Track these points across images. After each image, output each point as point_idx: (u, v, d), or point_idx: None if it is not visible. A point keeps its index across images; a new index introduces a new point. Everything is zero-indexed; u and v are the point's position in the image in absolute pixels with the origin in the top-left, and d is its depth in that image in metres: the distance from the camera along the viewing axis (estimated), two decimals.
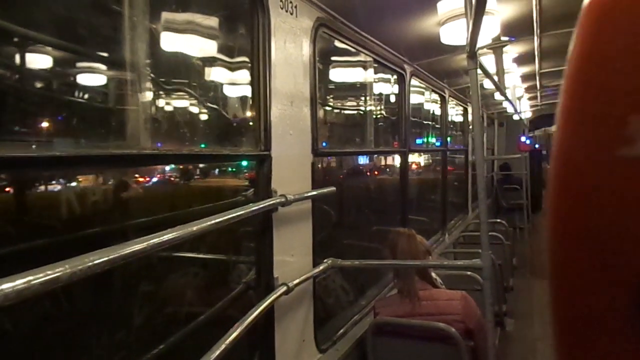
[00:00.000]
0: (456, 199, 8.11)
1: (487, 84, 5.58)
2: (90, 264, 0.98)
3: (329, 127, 4.35)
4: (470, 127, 8.62)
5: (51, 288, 0.88)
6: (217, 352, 1.61)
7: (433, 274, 3.00)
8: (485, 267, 2.41)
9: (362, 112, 4.98)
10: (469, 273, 3.72)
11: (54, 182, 2.20)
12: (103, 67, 1.81)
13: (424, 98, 6.49)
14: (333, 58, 4.01)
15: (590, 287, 0.52)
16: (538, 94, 8.58)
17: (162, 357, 2.32)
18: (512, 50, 4.78)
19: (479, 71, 2.54)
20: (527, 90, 7.88)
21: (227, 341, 1.69)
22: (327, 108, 4.36)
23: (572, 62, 0.53)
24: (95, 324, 2.28)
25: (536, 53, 4.81)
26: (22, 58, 1.57)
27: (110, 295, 2.38)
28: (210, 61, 2.43)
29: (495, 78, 4.04)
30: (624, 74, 0.49)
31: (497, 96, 7.34)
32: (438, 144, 7.08)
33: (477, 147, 2.52)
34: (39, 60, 1.60)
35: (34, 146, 1.31)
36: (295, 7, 2.49)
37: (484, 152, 9.73)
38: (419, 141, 6.82)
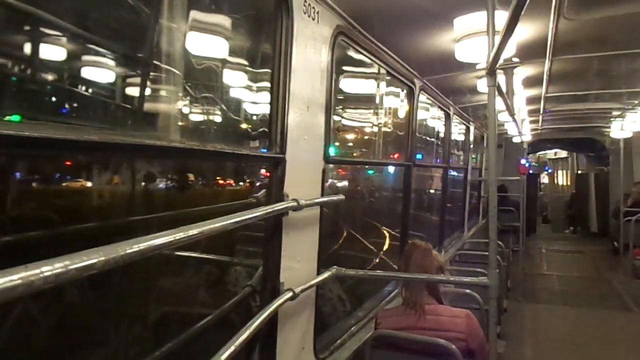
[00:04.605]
0: (453, 217, 8.11)
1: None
2: (123, 253, 0.96)
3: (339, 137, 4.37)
4: (471, 146, 8.66)
5: (86, 274, 0.86)
6: (226, 354, 1.58)
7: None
8: (492, 285, 2.40)
9: (371, 124, 5.00)
10: (467, 291, 3.70)
11: None
12: (143, 63, 1.82)
13: (429, 114, 6.51)
14: (345, 68, 4.01)
15: None
16: (540, 118, 8.64)
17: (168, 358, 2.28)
18: (520, 72, 4.81)
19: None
20: (530, 113, 7.94)
21: (236, 343, 1.66)
22: (336, 118, 4.36)
23: None
24: (95, 322, 2.26)
25: (545, 76, 4.84)
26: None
27: (110, 293, 2.36)
28: (236, 64, 2.43)
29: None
30: None
31: (500, 117, 7.38)
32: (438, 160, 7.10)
33: (491, 167, 2.53)
34: (83, 59, 1.62)
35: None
36: (317, 12, 2.49)
37: (482, 172, 9.81)
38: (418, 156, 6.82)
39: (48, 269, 0.78)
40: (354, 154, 5.09)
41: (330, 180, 5.40)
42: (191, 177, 3.11)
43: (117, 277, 2.26)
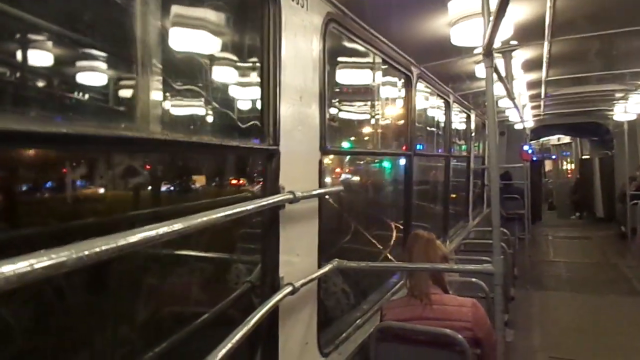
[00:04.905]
0: (457, 207, 8.05)
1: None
2: (98, 249, 0.90)
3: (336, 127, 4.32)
4: (473, 134, 8.58)
5: (56, 273, 0.80)
6: (224, 351, 1.53)
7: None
8: (497, 272, 2.35)
9: (369, 115, 4.94)
10: (473, 280, 3.65)
11: None
12: (119, 53, 1.76)
13: (428, 103, 6.44)
14: (340, 59, 3.95)
15: None
16: (542, 103, 8.54)
17: (165, 356, 2.25)
18: (519, 56, 4.72)
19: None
20: (531, 98, 7.85)
21: (233, 340, 1.61)
22: (333, 111, 4.30)
23: None
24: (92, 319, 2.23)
25: (544, 59, 4.75)
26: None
27: (101, 289, 2.35)
28: (219, 55, 2.37)
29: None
30: None
31: (501, 103, 7.30)
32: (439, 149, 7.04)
33: (492, 153, 2.47)
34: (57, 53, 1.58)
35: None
36: None
37: (485, 160, 9.73)
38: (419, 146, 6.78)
39: (9, 268, 0.73)
40: (369, 146, 5.06)
41: (343, 175, 5.49)
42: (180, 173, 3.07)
43: (119, 274, 2.25)
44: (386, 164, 6.35)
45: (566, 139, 20.23)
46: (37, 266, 0.78)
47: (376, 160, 6.35)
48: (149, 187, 2.72)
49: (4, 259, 0.74)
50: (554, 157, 22.79)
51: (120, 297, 2.41)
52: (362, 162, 6.10)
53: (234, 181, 3.56)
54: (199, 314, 2.56)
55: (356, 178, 6.10)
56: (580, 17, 3.37)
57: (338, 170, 5.35)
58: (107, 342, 2.28)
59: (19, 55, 1.46)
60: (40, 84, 1.60)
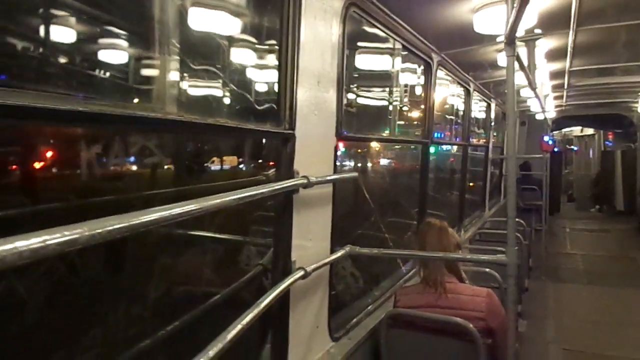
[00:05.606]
0: (473, 196, 8.00)
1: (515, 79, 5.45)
2: (110, 228, 0.91)
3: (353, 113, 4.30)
4: (492, 123, 8.47)
5: (68, 250, 0.82)
6: (234, 332, 1.55)
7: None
8: (511, 263, 2.32)
9: (386, 101, 4.91)
10: (487, 270, 3.63)
11: None
12: (136, 32, 1.77)
13: (448, 91, 6.37)
14: (359, 43, 3.90)
15: None
16: (564, 94, 8.38)
17: (177, 335, 2.28)
18: (543, 45, 4.62)
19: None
20: (554, 88, 7.70)
21: (244, 322, 1.62)
22: (350, 96, 4.28)
23: None
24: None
25: (569, 49, 4.65)
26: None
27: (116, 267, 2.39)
28: (237, 37, 2.36)
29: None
30: None
31: (522, 93, 7.18)
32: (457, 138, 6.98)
33: (510, 143, 2.44)
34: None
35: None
36: None
37: (504, 150, 9.61)
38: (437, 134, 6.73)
39: (23, 244, 0.74)
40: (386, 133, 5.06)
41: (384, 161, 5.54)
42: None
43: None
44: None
45: (589, 130, 19.86)
46: (50, 242, 0.79)
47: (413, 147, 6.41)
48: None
49: (18, 235, 0.76)
50: (575, 148, 22.39)
51: (134, 275, 2.45)
52: (401, 148, 6.18)
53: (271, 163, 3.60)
54: (212, 294, 2.59)
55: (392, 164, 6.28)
56: (607, 6, 3.28)
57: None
58: (119, 320, 2.33)
59: (37, 31, 1.47)
60: (58, 60, 1.61)
